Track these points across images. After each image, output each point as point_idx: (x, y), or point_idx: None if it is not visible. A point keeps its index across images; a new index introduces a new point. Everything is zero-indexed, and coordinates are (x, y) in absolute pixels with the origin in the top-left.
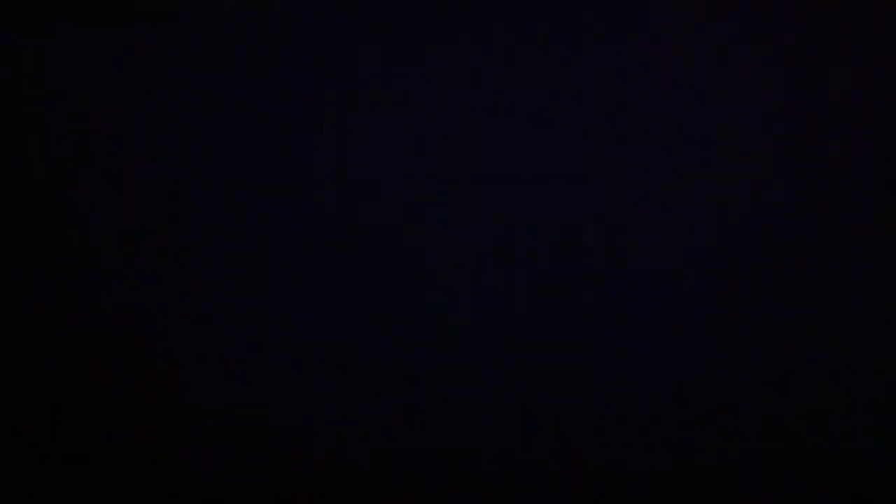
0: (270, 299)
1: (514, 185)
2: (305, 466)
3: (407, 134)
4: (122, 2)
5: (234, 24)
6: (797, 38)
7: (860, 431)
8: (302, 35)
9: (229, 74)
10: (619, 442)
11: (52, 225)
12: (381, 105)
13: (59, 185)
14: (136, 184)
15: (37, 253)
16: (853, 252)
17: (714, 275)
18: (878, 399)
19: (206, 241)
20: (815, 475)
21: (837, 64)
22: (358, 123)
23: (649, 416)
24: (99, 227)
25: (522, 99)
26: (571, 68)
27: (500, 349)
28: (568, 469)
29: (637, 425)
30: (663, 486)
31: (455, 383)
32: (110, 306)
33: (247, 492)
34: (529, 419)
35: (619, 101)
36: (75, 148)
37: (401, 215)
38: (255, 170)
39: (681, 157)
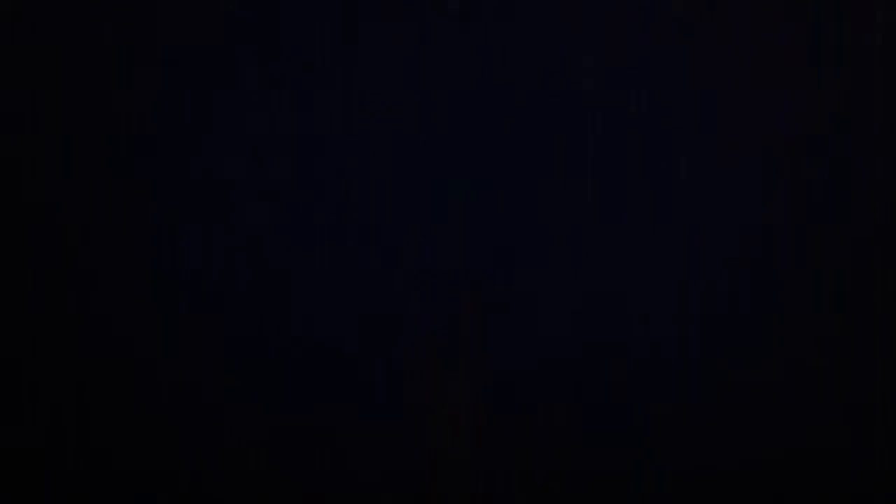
0: (268, 296)
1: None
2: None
3: (407, 130)
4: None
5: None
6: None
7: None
8: (299, 31)
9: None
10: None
11: (43, 224)
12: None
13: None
14: (132, 183)
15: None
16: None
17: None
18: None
19: (199, 238)
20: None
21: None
22: (356, 121)
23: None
24: (97, 225)
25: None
26: (571, 67)
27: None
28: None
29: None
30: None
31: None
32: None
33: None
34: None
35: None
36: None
37: (403, 209)
38: (251, 166)
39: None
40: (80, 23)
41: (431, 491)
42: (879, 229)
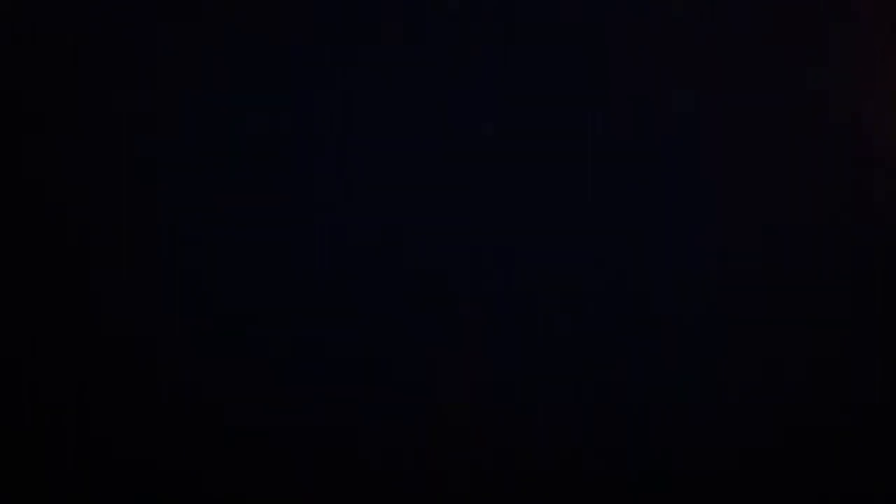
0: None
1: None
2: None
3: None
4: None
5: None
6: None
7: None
8: (299, 31)
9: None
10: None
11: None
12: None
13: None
14: (133, 183)
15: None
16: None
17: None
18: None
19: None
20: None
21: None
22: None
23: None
24: (94, 225)
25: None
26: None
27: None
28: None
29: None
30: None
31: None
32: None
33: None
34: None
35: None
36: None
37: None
38: (251, 166)
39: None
40: (80, 23)
41: (431, 490)
42: (880, 229)
